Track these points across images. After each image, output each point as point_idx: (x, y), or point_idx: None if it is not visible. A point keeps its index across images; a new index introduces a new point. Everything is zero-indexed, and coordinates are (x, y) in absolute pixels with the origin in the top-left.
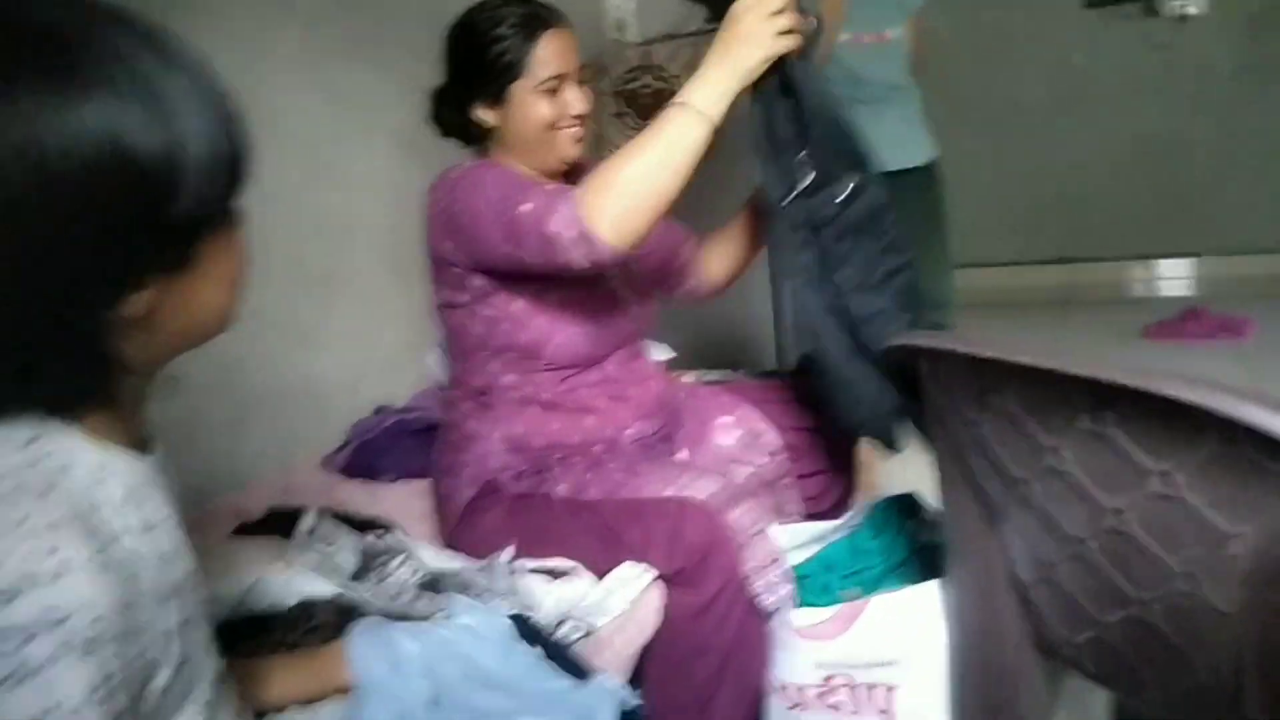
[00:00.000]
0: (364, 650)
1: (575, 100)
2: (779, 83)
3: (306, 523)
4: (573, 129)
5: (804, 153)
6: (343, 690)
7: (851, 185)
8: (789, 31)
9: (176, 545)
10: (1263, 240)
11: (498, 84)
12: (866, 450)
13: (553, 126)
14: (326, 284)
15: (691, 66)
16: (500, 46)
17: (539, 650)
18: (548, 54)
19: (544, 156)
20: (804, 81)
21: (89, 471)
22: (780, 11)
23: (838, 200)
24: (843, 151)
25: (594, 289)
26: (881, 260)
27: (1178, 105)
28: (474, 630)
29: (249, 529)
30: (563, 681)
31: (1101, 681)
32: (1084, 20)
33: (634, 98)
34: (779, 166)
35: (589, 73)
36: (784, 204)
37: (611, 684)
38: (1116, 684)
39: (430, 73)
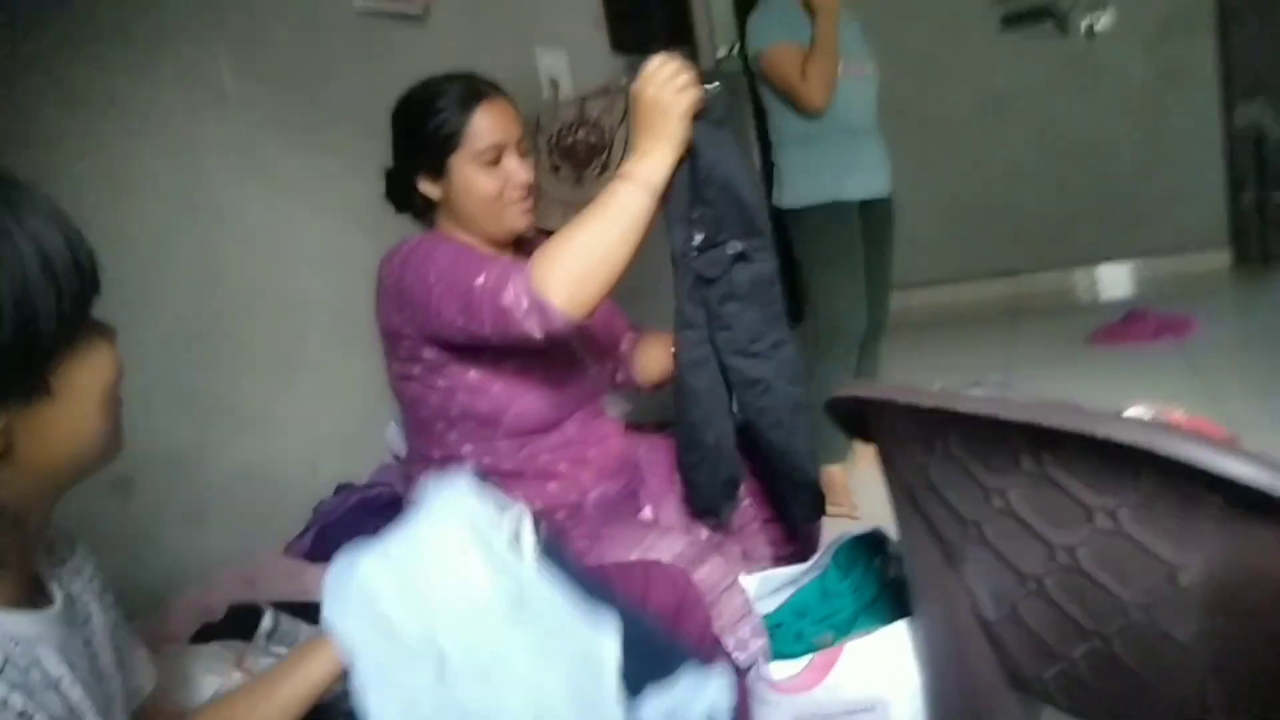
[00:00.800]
0: (348, 627)
1: (517, 169)
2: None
3: (264, 625)
4: (519, 200)
5: (698, 212)
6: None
7: (739, 250)
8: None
9: (75, 703)
10: (1191, 238)
11: (436, 156)
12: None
13: (498, 198)
14: (278, 365)
15: (624, 119)
16: (437, 120)
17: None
18: (484, 124)
19: (490, 229)
20: (703, 142)
21: None
22: (677, 74)
23: (724, 263)
24: (736, 216)
25: (551, 353)
26: (765, 330)
27: (1098, 115)
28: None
29: (210, 631)
30: (567, 604)
31: (1075, 714)
32: (1002, 41)
33: (570, 151)
34: (678, 220)
35: (527, 143)
36: (676, 258)
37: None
38: (1090, 715)
39: (373, 148)
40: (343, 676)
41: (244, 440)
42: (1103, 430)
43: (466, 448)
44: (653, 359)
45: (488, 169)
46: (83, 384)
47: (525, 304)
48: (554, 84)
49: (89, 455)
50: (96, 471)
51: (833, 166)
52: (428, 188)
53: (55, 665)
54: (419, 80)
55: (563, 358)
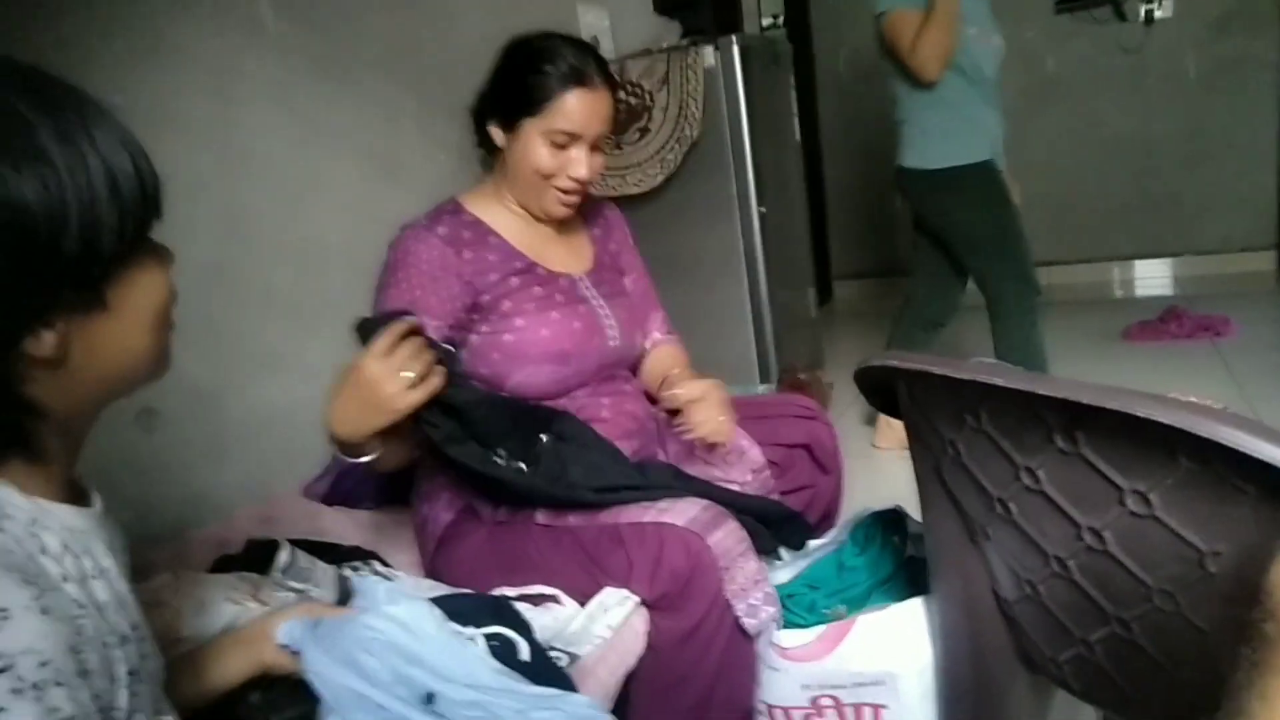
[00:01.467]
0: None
1: (578, 162)
2: (438, 409)
3: (281, 559)
4: (566, 190)
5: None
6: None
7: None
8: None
9: (120, 597)
10: (1236, 239)
11: (514, 111)
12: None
13: (547, 179)
14: (302, 310)
15: (666, 81)
16: (534, 79)
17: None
18: (572, 107)
19: (528, 201)
20: (461, 403)
21: (22, 524)
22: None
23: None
24: (512, 432)
25: (567, 325)
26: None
27: (1148, 106)
28: (406, 623)
29: (227, 562)
30: (536, 688)
31: (1087, 698)
32: (1055, 24)
33: None
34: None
35: (608, 144)
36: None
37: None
38: (1102, 701)
39: (407, 99)
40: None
41: (266, 381)
42: (1143, 409)
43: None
44: (654, 375)
45: (552, 147)
46: (137, 302)
47: None
48: (594, 42)
49: (137, 370)
50: (143, 386)
51: (977, 128)
52: (496, 133)
53: (103, 556)
54: (544, 31)
55: (584, 331)
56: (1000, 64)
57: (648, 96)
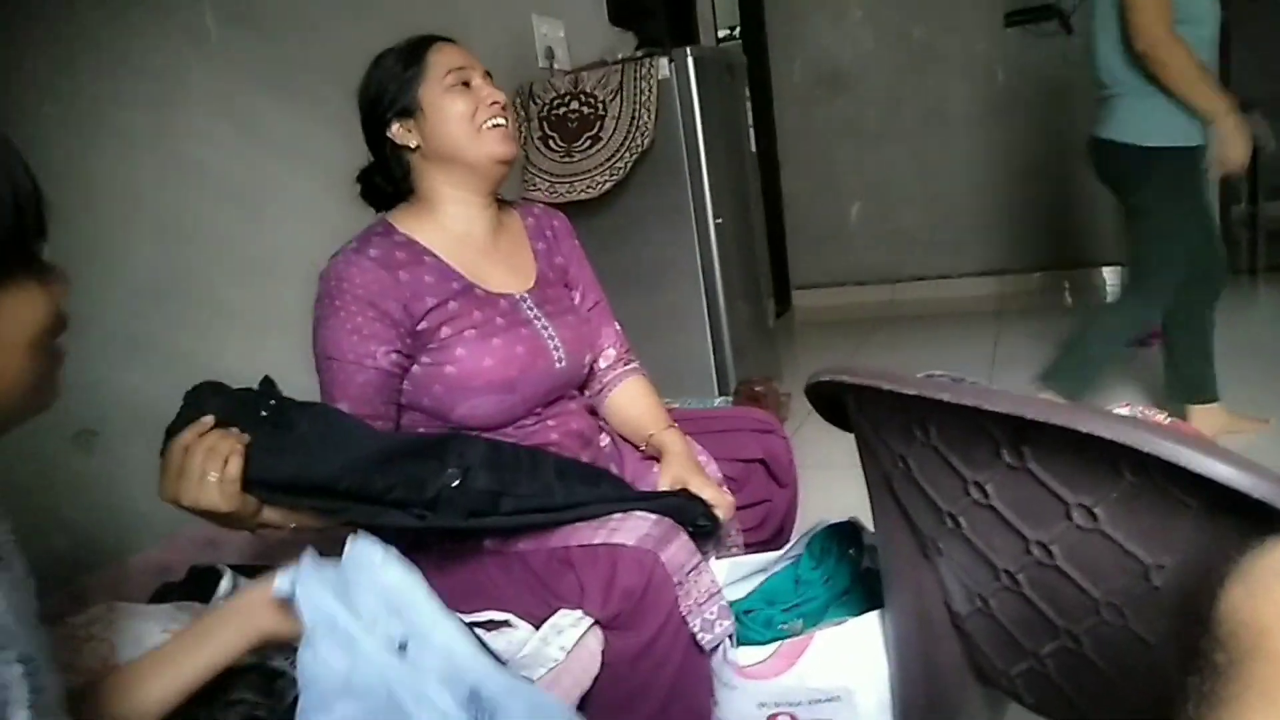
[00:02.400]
0: (313, 599)
1: (487, 89)
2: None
3: (222, 587)
4: (496, 122)
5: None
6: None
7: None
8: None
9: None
10: None
11: (405, 94)
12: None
13: (472, 119)
14: (250, 324)
15: (620, 91)
16: (395, 67)
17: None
18: (441, 57)
19: (471, 156)
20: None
21: None
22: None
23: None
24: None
25: (513, 351)
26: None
27: (1095, 117)
28: (399, 583)
29: (168, 590)
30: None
31: (1040, 711)
32: (1006, 37)
33: (560, 122)
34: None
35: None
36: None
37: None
38: (1054, 713)
39: (354, 106)
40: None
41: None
42: (1086, 425)
43: (420, 430)
44: (627, 417)
45: (458, 90)
46: (6, 329)
47: None
48: (549, 53)
49: (5, 398)
50: (18, 420)
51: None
52: (403, 135)
53: None
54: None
55: (528, 355)
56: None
57: (600, 106)
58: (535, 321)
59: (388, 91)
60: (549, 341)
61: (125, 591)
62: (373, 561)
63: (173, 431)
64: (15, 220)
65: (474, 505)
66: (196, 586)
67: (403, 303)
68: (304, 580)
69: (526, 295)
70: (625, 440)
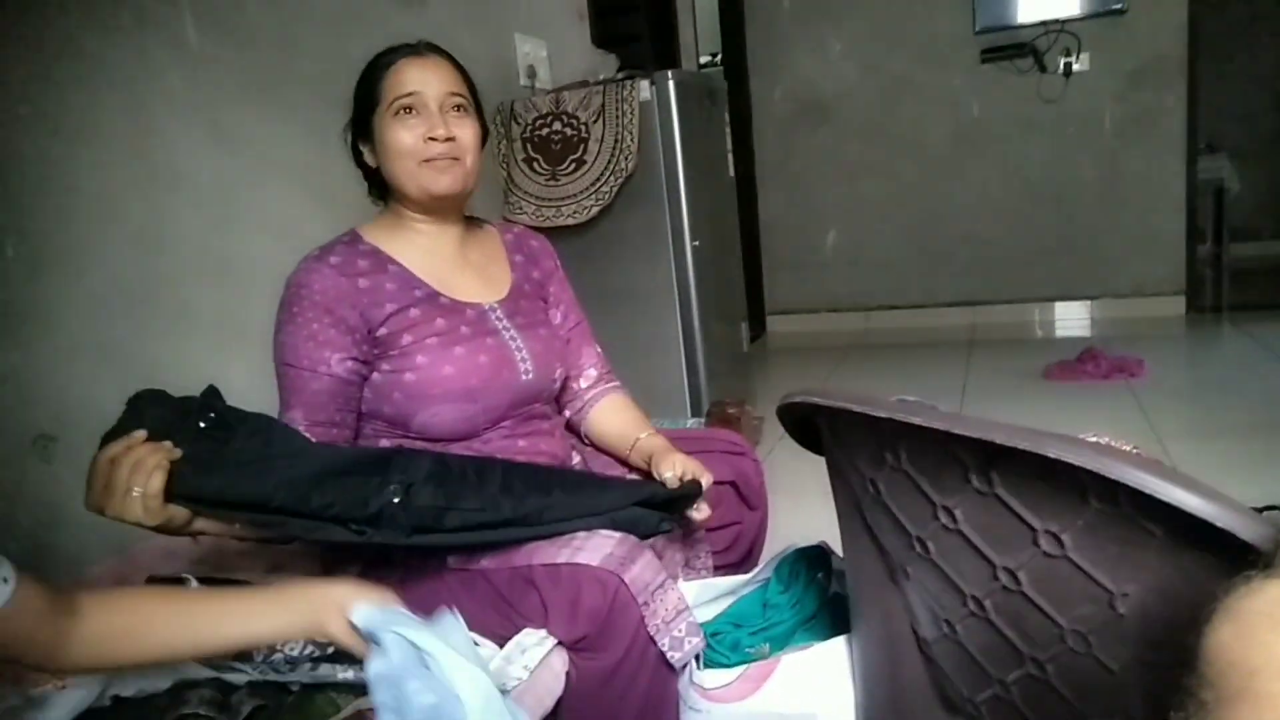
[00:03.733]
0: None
1: (431, 122)
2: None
3: None
4: (436, 159)
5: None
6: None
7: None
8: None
9: None
10: (1149, 283)
11: (362, 115)
12: None
13: (411, 154)
14: (221, 333)
15: (601, 113)
16: (371, 75)
17: None
18: (402, 77)
19: (410, 190)
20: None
21: None
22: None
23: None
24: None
25: (476, 362)
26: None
27: (1067, 155)
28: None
29: None
30: None
31: None
32: (981, 73)
33: (544, 144)
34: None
35: (468, 106)
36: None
37: None
38: None
39: (336, 120)
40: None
41: None
42: (1054, 450)
43: (382, 442)
44: (609, 429)
45: (403, 120)
46: None
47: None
48: (531, 72)
49: None
50: None
51: None
52: (367, 154)
53: None
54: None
55: (491, 365)
56: None
57: (583, 128)
58: (503, 333)
59: (355, 110)
60: (516, 353)
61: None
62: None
63: (108, 440)
64: None
65: (417, 522)
66: None
67: (360, 309)
68: (395, 621)
69: (496, 305)
70: (607, 455)
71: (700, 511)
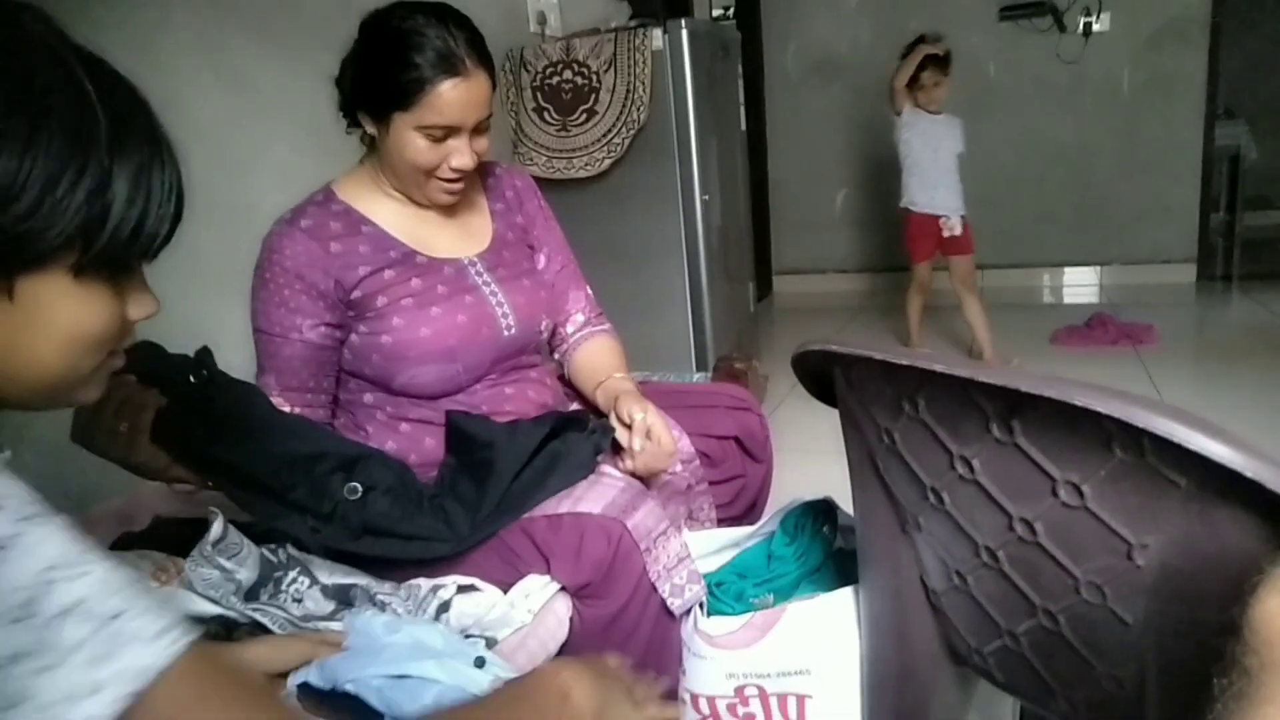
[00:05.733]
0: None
1: (459, 154)
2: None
3: (214, 530)
4: (448, 181)
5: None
6: None
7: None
8: None
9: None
10: (1160, 250)
11: (382, 105)
12: None
13: (428, 172)
14: (229, 278)
15: (613, 63)
16: (400, 72)
17: None
18: (446, 101)
19: (411, 191)
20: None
21: None
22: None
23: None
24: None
25: (453, 320)
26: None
27: (1083, 117)
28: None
29: (130, 541)
30: None
31: (1010, 690)
32: (999, 31)
33: (554, 92)
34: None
35: (487, 122)
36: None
37: None
38: (1024, 693)
39: (336, 57)
40: None
41: (183, 349)
42: (1080, 398)
43: (367, 397)
44: (582, 369)
45: (430, 141)
46: (50, 312)
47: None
48: (542, 18)
49: (40, 381)
50: (56, 404)
51: None
52: (366, 122)
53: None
54: (401, 5)
55: (470, 324)
56: None
57: (594, 77)
58: (483, 288)
59: (374, 84)
60: (496, 309)
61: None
62: (375, 634)
63: None
64: (110, 238)
65: (370, 523)
66: (161, 538)
67: (333, 274)
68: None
69: (476, 260)
70: (581, 399)
71: (624, 461)
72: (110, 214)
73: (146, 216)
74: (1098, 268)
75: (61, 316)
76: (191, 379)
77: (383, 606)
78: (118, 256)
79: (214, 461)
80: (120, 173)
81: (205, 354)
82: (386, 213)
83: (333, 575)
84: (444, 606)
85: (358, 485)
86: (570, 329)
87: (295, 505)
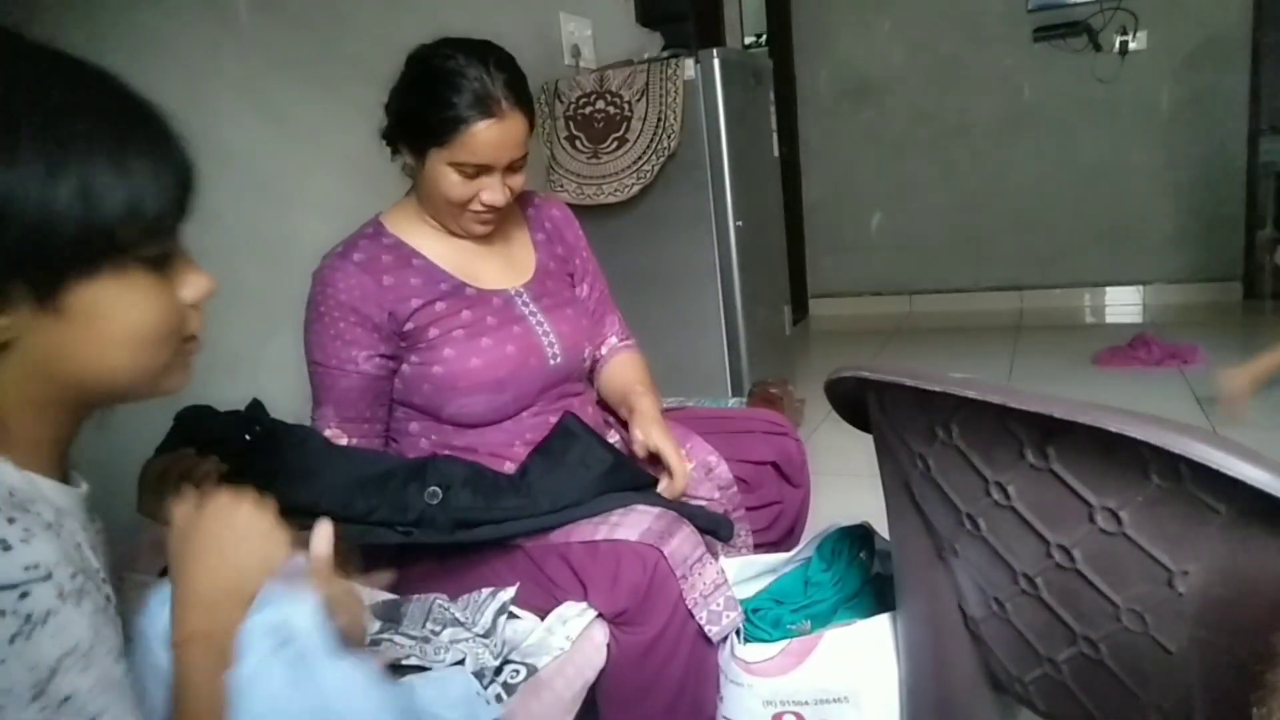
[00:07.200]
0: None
1: (492, 189)
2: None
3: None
4: (481, 214)
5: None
6: None
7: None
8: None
9: (98, 568)
10: (1204, 269)
11: (420, 139)
12: None
13: (461, 205)
14: (269, 309)
15: (645, 92)
16: (439, 112)
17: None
18: (480, 141)
19: (446, 222)
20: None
21: (14, 482)
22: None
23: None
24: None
25: (503, 351)
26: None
27: (1121, 136)
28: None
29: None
30: None
31: (1052, 718)
32: (1033, 52)
33: (587, 122)
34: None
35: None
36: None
37: None
38: None
39: (379, 93)
40: None
41: (228, 381)
42: (1115, 424)
43: (413, 425)
44: (608, 383)
45: (463, 176)
46: (106, 314)
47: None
48: (576, 51)
49: (113, 384)
50: (142, 398)
51: None
52: (406, 155)
53: (78, 533)
54: (446, 44)
55: (519, 354)
56: None
57: (626, 106)
58: (530, 318)
59: (410, 115)
60: (543, 339)
61: (134, 566)
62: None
63: (160, 453)
64: (131, 223)
65: (459, 518)
66: None
67: (386, 308)
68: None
69: (523, 290)
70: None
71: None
72: (97, 202)
73: (142, 198)
74: (1140, 287)
75: (115, 318)
76: (247, 437)
77: (442, 615)
78: (136, 243)
79: (289, 509)
80: (93, 162)
81: (256, 407)
82: (434, 245)
83: (375, 593)
84: (501, 610)
85: (436, 489)
86: (604, 351)
87: (380, 524)
